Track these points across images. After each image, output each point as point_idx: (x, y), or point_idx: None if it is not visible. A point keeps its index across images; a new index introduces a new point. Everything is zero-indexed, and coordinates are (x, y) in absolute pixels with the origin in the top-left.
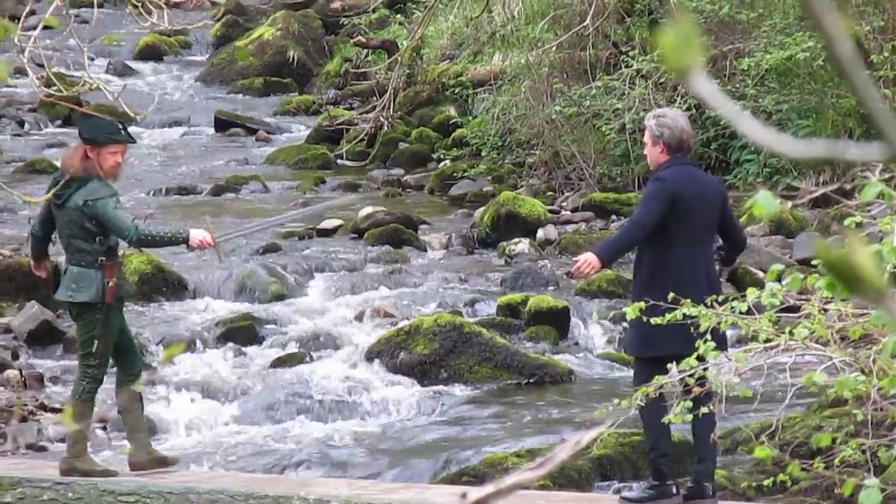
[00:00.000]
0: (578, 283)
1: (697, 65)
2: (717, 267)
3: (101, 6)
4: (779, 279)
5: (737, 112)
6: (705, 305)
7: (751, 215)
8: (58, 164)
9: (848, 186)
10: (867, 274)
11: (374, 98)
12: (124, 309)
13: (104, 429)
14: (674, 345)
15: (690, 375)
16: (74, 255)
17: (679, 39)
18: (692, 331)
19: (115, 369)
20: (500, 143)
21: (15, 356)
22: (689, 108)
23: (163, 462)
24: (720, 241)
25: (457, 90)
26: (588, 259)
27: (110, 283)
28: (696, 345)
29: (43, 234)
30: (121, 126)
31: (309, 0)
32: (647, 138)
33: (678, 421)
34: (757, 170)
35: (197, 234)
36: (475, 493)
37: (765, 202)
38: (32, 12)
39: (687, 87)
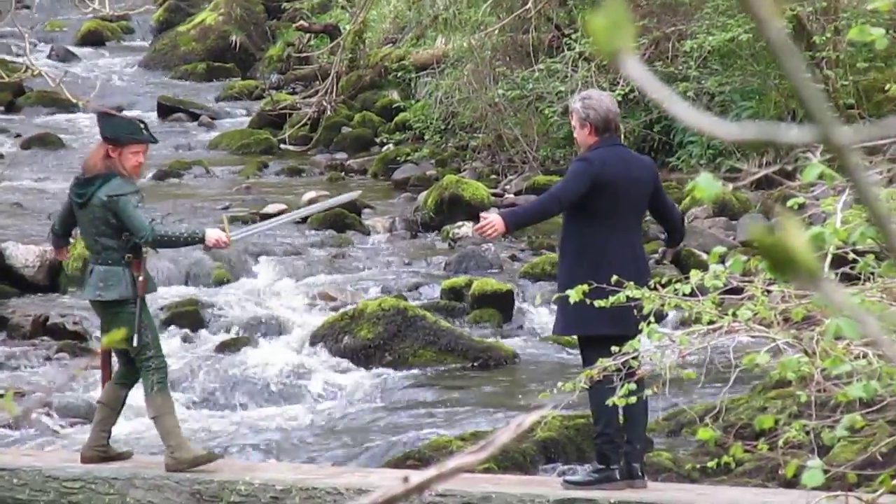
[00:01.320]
0: (522, 266)
1: (629, 48)
2: (662, 250)
3: None
4: (722, 261)
5: (669, 95)
6: (648, 288)
7: (693, 197)
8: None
9: (790, 168)
10: (801, 257)
11: (317, 82)
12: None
13: (49, 415)
14: (610, 325)
15: (634, 358)
16: (101, 253)
17: (610, 23)
18: (629, 312)
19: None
20: (443, 127)
21: None
22: (630, 90)
23: (114, 457)
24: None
25: (399, 74)
26: (493, 221)
27: (140, 278)
28: (640, 327)
29: (63, 231)
30: (142, 125)
31: None
32: (574, 121)
33: (622, 403)
34: (700, 152)
35: (212, 234)
36: (418, 476)
37: (706, 184)
38: None
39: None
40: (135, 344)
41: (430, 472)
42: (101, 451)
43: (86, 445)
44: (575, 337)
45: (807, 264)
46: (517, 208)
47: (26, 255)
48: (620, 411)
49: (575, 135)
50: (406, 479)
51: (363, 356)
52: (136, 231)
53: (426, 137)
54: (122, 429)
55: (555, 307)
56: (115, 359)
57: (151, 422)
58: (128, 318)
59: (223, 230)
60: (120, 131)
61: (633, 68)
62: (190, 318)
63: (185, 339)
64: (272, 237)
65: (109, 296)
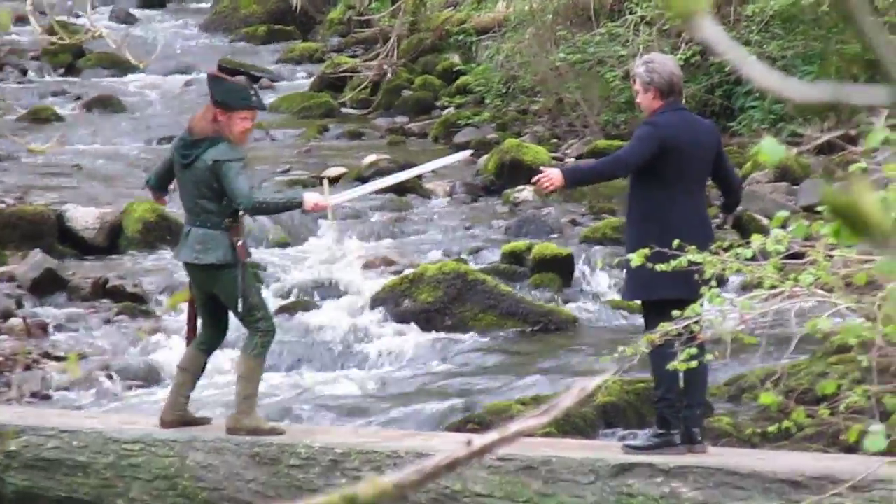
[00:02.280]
0: (583, 230)
1: (703, 10)
2: (720, 215)
3: None
4: (783, 226)
5: (744, 57)
6: (710, 252)
7: (755, 162)
8: (60, 111)
9: (853, 133)
10: (873, 218)
11: (378, 45)
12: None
13: (109, 377)
14: (674, 288)
15: (695, 322)
16: (200, 216)
17: None
18: (695, 276)
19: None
20: (503, 91)
21: (19, 304)
22: (693, 55)
23: (193, 422)
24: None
25: (460, 37)
26: (551, 175)
27: (239, 243)
28: (701, 291)
29: (159, 185)
30: (252, 92)
31: None
32: (637, 86)
33: (682, 368)
34: (761, 116)
35: (311, 198)
36: (480, 440)
37: (770, 149)
38: None
39: (693, 32)
40: (239, 309)
41: (493, 435)
42: (181, 416)
43: (165, 409)
44: (639, 301)
45: (880, 225)
46: (580, 163)
47: (86, 217)
48: (681, 376)
49: (638, 99)
50: (469, 443)
51: (423, 320)
52: (236, 197)
53: (487, 101)
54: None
55: (615, 271)
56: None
57: (233, 379)
58: (230, 282)
59: (321, 194)
60: (231, 96)
61: (709, 30)
62: None
63: None
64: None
65: (207, 259)
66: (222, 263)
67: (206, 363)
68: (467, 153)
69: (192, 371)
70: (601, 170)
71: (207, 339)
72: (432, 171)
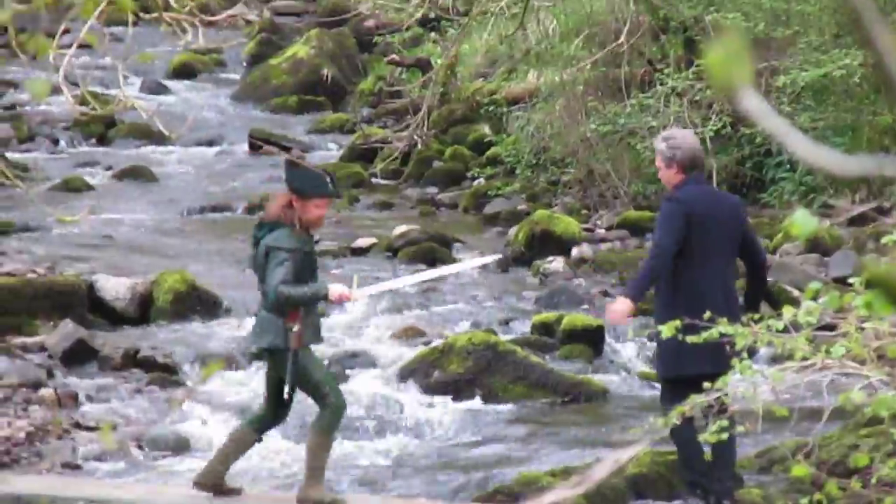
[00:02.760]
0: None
1: (746, 81)
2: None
3: (135, 24)
4: (815, 297)
5: (786, 128)
6: (742, 324)
7: (787, 233)
8: (91, 181)
9: (887, 205)
10: None
11: (409, 116)
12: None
13: (140, 447)
14: (701, 364)
15: (724, 394)
16: (262, 298)
17: (728, 55)
18: (722, 349)
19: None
20: (534, 162)
21: (50, 375)
22: (723, 126)
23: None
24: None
25: (491, 108)
26: (618, 309)
27: (294, 329)
28: (732, 363)
29: None
30: (328, 179)
31: (343, 18)
32: (659, 162)
33: (713, 440)
34: (793, 188)
35: (335, 290)
36: None
37: (803, 221)
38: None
39: (733, 103)
40: (285, 396)
41: None
42: (216, 483)
43: (202, 473)
44: None
45: None
46: (633, 281)
47: (117, 287)
48: (706, 448)
49: (660, 175)
50: None
51: (453, 390)
52: (267, 286)
53: (517, 172)
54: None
55: (645, 342)
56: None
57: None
58: (282, 367)
59: (349, 286)
60: (306, 183)
61: (752, 101)
62: None
63: None
64: (362, 271)
65: (260, 344)
66: (273, 349)
67: (256, 440)
68: (496, 256)
69: (240, 445)
70: (651, 269)
71: (264, 417)
72: (458, 273)
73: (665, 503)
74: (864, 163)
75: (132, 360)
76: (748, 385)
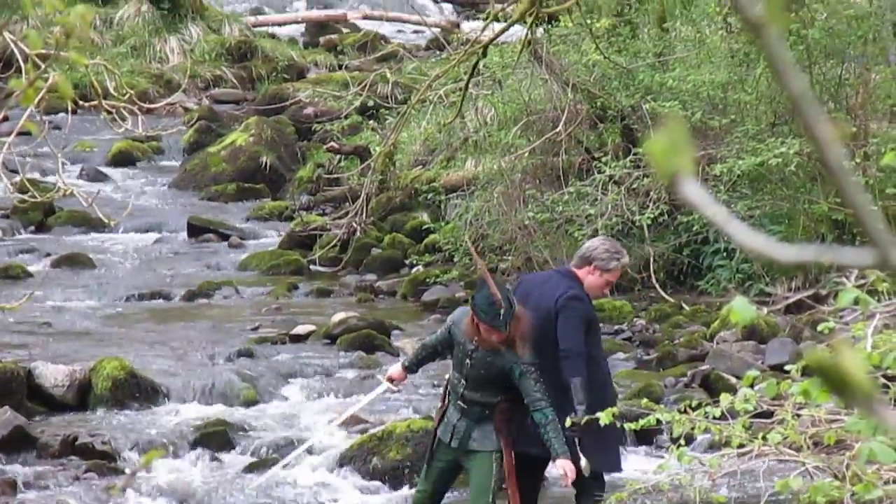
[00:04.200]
0: None
1: (687, 170)
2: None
3: (74, 112)
4: (752, 385)
5: (726, 216)
6: (679, 411)
7: (723, 320)
8: (30, 268)
9: (823, 292)
10: (857, 379)
11: (347, 203)
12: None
13: None
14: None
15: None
16: None
17: (669, 144)
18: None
19: None
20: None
21: None
22: (661, 214)
23: None
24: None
25: (429, 196)
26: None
27: None
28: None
29: None
30: (501, 311)
31: (282, 106)
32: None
33: None
34: (729, 275)
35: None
36: None
37: (741, 308)
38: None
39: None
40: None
41: None
42: None
43: None
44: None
45: (863, 387)
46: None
47: (56, 374)
48: None
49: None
50: None
51: (391, 477)
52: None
53: (455, 259)
54: None
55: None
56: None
57: None
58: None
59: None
60: (479, 307)
61: (693, 190)
62: (218, 438)
63: (213, 460)
64: (301, 358)
65: None
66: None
67: None
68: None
69: None
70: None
71: None
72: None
73: None
74: (802, 251)
75: (71, 447)
76: (685, 472)
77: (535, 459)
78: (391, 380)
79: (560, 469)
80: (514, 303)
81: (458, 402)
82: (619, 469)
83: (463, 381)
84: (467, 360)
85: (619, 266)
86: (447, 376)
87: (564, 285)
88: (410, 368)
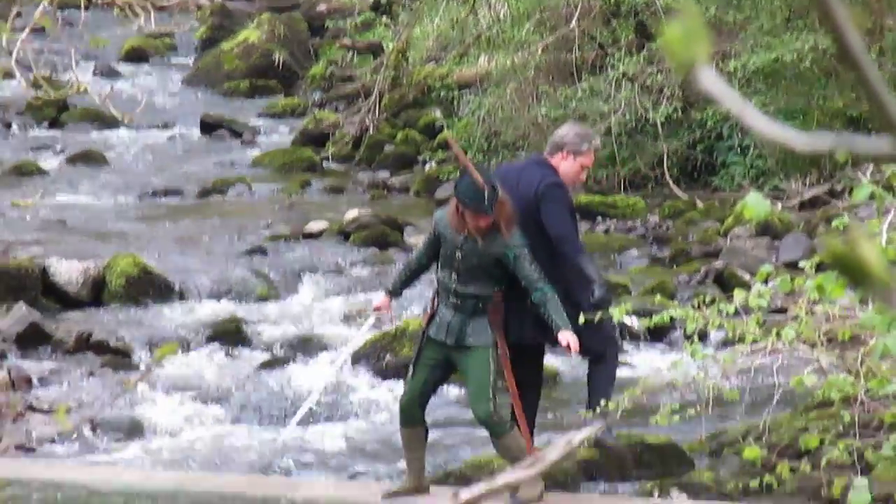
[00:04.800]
0: None
1: (704, 60)
2: (702, 269)
3: (87, 8)
4: (766, 281)
5: (744, 106)
6: (693, 307)
7: (737, 216)
8: (43, 165)
9: (838, 188)
10: (875, 269)
11: (360, 100)
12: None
13: (93, 430)
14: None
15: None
16: None
17: (686, 34)
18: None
19: None
20: (485, 146)
21: (3, 357)
22: (674, 111)
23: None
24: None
25: (442, 92)
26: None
27: None
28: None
29: None
30: (486, 195)
31: (294, 3)
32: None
33: (665, 422)
34: (743, 172)
35: None
36: (467, 492)
37: (755, 204)
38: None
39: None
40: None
41: (480, 487)
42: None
43: None
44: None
45: (881, 276)
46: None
47: (70, 271)
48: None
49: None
50: (455, 496)
51: (404, 374)
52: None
53: (468, 156)
54: (163, 443)
55: None
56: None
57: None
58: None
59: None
60: (463, 194)
61: (710, 79)
62: (232, 334)
63: (226, 356)
64: (314, 255)
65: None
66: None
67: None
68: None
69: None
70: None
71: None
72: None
73: (619, 483)
74: (818, 139)
75: (85, 343)
76: (699, 369)
77: (533, 350)
78: (377, 309)
79: (563, 342)
80: (497, 186)
81: (450, 299)
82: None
83: (454, 277)
84: (458, 253)
85: (591, 148)
86: (434, 280)
87: (541, 173)
88: (395, 292)
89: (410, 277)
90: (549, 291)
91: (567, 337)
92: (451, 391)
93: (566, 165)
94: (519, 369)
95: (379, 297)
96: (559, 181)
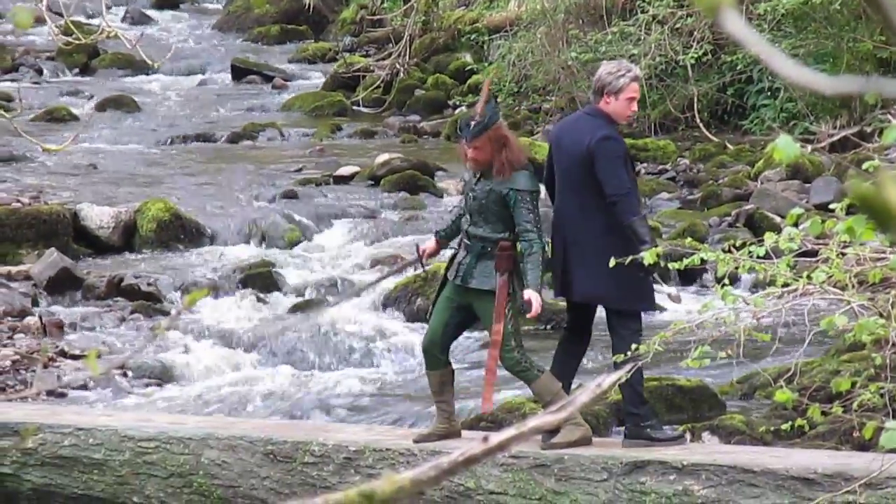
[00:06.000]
0: None
1: (729, 4)
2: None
3: None
4: (796, 224)
5: (770, 49)
6: (723, 250)
7: (768, 160)
8: (74, 111)
9: (868, 130)
10: None
11: (390, 45)
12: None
13: (124, 375)
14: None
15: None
16: None
17: None
18: None
19: None
20: (516, 90)
21: (35, 303)
22: (704, 54)
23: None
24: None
25: (472, 37)
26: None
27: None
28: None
29: None
30: (466, 124)
31: None
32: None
33: (696, 366)
34: (774, 115)
35: None
36: (497, 436)
37: (785, 146)
38: None
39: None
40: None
41: (510, 431)
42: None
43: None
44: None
45: None
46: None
47: (101, 216)
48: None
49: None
50: (485, 439)
51: None
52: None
53: (499, 100)
54: (195, 388)
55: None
56: None
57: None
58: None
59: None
60: (459, 125)
61: (735, 23)
62: (264, 279)
63: (258, 301)
64: (345, 200)
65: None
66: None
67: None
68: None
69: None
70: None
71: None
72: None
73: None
74: (847, 82)
75: (116, 288)
76: (730, 311)
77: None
78: (425, 252)
79: (526, 297)
80: (491, 117)
81: (464, 239)
82: (653, 308)
83: (468, 217)
84: (470, 193)
85: (629, 80)
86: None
87: (593, 126)
88: (445, 237)
89: (457, 224)
90: (535, 246)
91: (530, 295)
92: (484, 335)
93: (612, 107)
94: (570, 321)
95: (428, 241)
96: (608, 132)
